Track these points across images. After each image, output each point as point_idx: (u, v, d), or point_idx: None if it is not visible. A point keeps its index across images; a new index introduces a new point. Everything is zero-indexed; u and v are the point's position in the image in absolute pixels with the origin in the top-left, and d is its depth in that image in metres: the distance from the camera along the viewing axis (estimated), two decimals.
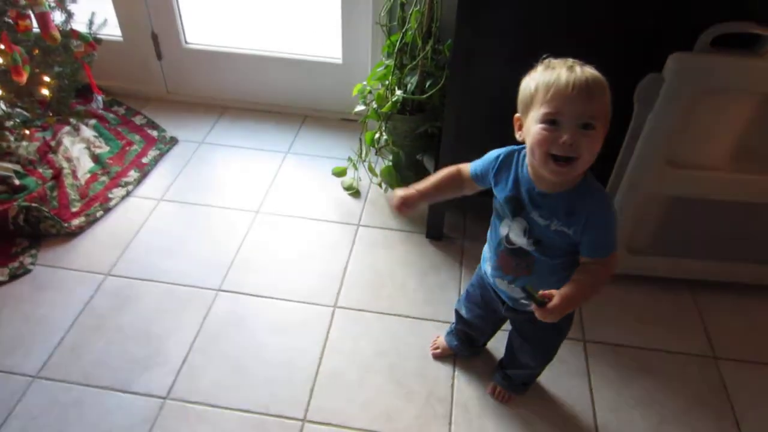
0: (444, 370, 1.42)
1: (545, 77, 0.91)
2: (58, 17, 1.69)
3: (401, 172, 1.85)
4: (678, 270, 1.61)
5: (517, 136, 1.00)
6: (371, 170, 1.91)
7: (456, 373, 1.41)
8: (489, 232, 1.15)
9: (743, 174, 1.38)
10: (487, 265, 1.18)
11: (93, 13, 1.88)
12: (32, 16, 1.59)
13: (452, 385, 1.39)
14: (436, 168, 1.63)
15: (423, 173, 1.92)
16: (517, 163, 1.03)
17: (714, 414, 1.36)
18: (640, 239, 1.54)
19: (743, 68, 1.22)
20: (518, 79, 1.39)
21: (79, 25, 1.82)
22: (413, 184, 1.15)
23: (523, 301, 1.13)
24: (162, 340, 1.46)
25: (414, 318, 1.54)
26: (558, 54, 1.31)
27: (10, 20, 1.58)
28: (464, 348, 1.42)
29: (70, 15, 1.73)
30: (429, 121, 1.76)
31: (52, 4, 1.66)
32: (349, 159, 1.96)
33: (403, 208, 1.14)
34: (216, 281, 1.61)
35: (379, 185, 1.94)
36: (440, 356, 1.46)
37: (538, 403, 1.36)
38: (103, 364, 1.40)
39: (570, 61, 0.91)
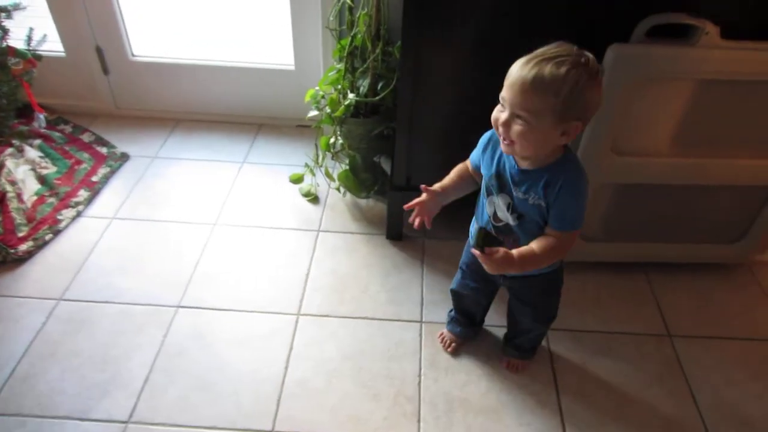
0: (411, 369, 1.43)
1: (513, 66, 0.99)
2: None
3: (359, 176, 1.85)
4: (630, 254, 1.66)
5: None
6: (328, 175, 1.91)
7: (423, 370, 1.42)
8: (476, 211, 1.22)
9: (683, 158, 1.43)
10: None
11: (31, 29, 1.82)
12: None
13: (419, 383, 1.40)
14: (393, 170, 1.65)
15: (381, 175, 1.93)
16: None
17: (671, 390, 1.41)
18: (593, 226, 1.58)
19: (677, 57, 1.27)
20: (468, 76, 1.42)
21: (17, 41, 1.77)
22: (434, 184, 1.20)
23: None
24: (121, 362, 1.42)
25: (378, 319, 1.54)
26: (503, 48, 1.34)
27: None
28: (467, 331, 1.47)
29: (5, 31, 1.68)
30: (383, 122, 1.77)
31: None
32: (306, 165, 1.95)
33: (428, 205, 1.18)
34: (175, 298, 1.58)
35: (338, 190, 1.94)
36: (456, 349, 1.48)
37: (505, 392, 1.39)
38: (59, 392, 1.35)
39: (543, 55, 0.95)
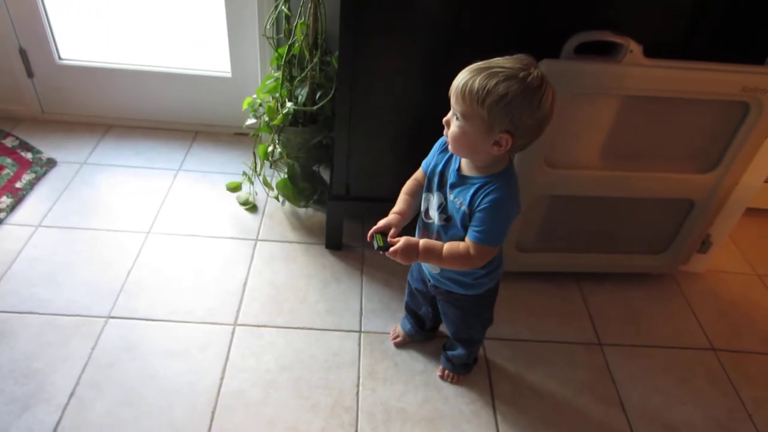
0: (349, 379, 1.42)
1: None
2: None
3: (297, 185, 1.84)
4: (563, 264, 1.72)
5: None
6: (267, 184, 1.89)
7: (361, 380, 1.42)
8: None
9: (611, 171, 1.50)
10: None
11: None
12: None
13: (357, 393, 1.39)
14: (332, 179, 1.65)
15: (319, 184, 1.93)
16: None
17: (601, 397, 1.46)
18: (527, 237, 1.64)
19: (602, 73, 1.33)
20: (405, 86, 1.45)
21: None
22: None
23: (437, 275, 1.24)
24: (45, 375, 1.35)
25: (317, 329, 1.53)
26: (439, 59, 1.38)
27: None
28: (416, 331, 1.49)
29: None
30: (322, 132, 1.77)
31: None
32: (244, 174, 1.92)
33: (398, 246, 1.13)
34: (105, 308, 1.52)
35: (276, 198, 1.92)
36: (401, 344, 1.52)
37: (442, 402, 1.40)
38: None
39: (486, 65, 0.99)
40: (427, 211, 1.20)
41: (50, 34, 2.01)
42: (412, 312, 1.48)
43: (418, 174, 1.23)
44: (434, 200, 1.16)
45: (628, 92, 1.37)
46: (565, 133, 1.42)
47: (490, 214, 1.06)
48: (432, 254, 1.11)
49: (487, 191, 1.05)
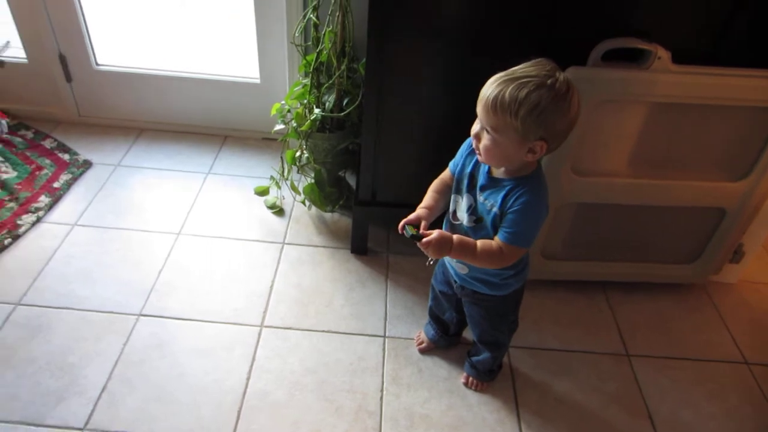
0: (373, 384, 1.43)
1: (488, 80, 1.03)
2: None
3: (324, 190, 1.87)
4: (590, 273, 1.70)
5: None
6: (294, 188, 1.92)
7: (385, 386, 1.43)
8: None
9: (639, 179, 1.48)
10: None
11: None
12: None
13: (381, 398, 1.40)
14: (358, 185, 1.67)
15: (346, 190, 1.95)
16: None
17: (629, 409, 1.43)
18: (553, 245, 1.63)
19: (630, 80, 1.33)
20: (431, 94, 1.47)
21: None
22: (419, 210, 1.19)
23: (465, 275, 1.24)
24: (78, 369, 1.39)
25: (342, 333, 1.55)
26: (465, 67, 1.39)
27: None
28: (440, 337, 1.49)
29: None
30: (348, 138, 1.79)
31: None
32: (272, 178, 1.96)
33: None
34: (136, 306, 1.56)
35: (303, 203, 1.95)
36: (425, 349, 1.52)
37: (466, 409, 1.40)
38: (13, 398, 1.32)
39: (512, 74, 0.99)
40: (454, 212, 1.21)
41: (88, 40, 2.08)
42: (435, 317, 1.49)
43: (445, 174, 1.23)
44: (463, 202, 1.17)
45: (656, 99, 1.36)
46: (592, 140, 1.41)
47: (522, 215, 1.07)
48: (466, 249, 1.11)
49: (518, 193, 1.06)
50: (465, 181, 1.16)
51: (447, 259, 1.29)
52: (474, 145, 1.08)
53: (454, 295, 1.35)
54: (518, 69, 1.00)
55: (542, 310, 1.67)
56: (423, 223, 1.14)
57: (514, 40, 1.35)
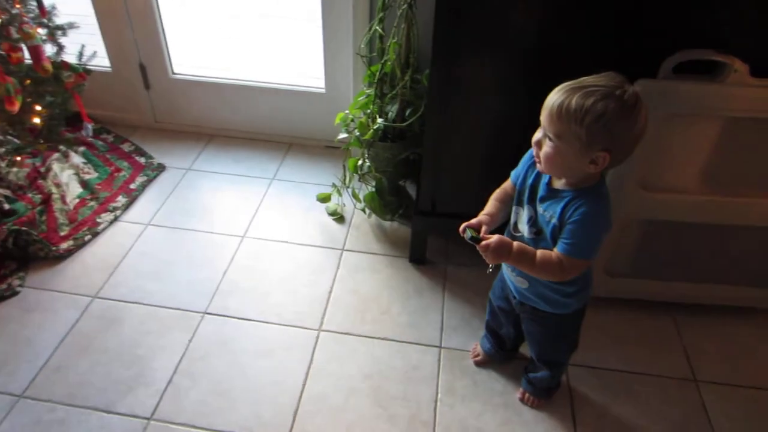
0: (427, 393, 1.43)
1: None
2: (49, 49, 1.74)
3: (384, 198, 1.89)
4: (657, 292, 1.64)
5: None
6: (355, 196, 1.95)
7: (439, 396, 1.42)
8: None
9: (713, 196, 1.42)
10: None
11: (83, 46, 1.92)
12: (25, 48, 1.64)
13: (435, 408, 1.40)
14: (418, 195, 1.68)
15: (406, 199, 1.96)
16: None
17: None
18: (619, 262, 1.58)
19: (705, 94, 1.28)
20: (495, 105, 1.46)
21: (70, 56, 1.86)
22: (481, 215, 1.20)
23: (525, 290, 1.23)
24: (147, 361, 1.46)
25: (398, 341, 1.55)
26: (530, 81, 1.38)
27: (3, 53, 1.62)
28: (496, 351, 1.48)
29: (60, 47, 1.79)
30: (410, 148, 1.81)
31: (44, 38, 1.71)
32: (333, 185, 2.00)
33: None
34: (202, 304, 1.62)
35: (363, 211, 1.98)
36: (481, 362, 1.51)
37: (521, 425, 1.38)
38: (87, 384, 1.41)
39: (579, 83, 0.99)
40: (515, 224, 1.20)
41: (166, 51, 2.19)
42: (492, 331, 1.47)
43: (507, 184, 1.23)
44: (524, 214, 1.17)
45: (732, 113, 1.30)
46: (662, 155, 1.37)
47: (581, 227, 1.05)
48: (524, 257, 1.10)
49: (577, 204, 1.05)
50: (526, 193, 1.16)
51: (507, 275, 1.28)
52: (534, 153, 1.07)
53: (512, 311, 1.34)
54: (587, 79, 0.99)
55: (604, 328, 1.62)
56: (483, 228, 1.14)
57: (581, 52, 1.33)
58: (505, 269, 1.27)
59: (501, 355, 1.49)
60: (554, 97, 0.99)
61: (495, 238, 1.09)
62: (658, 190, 1.43)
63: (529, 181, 1.15)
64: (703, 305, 1.66)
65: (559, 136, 1.00)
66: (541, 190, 1.12)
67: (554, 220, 1.08)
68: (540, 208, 1.12)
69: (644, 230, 1.52)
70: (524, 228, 1.17)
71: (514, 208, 1.20)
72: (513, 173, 1.21)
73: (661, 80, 1.29)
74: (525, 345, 1.41)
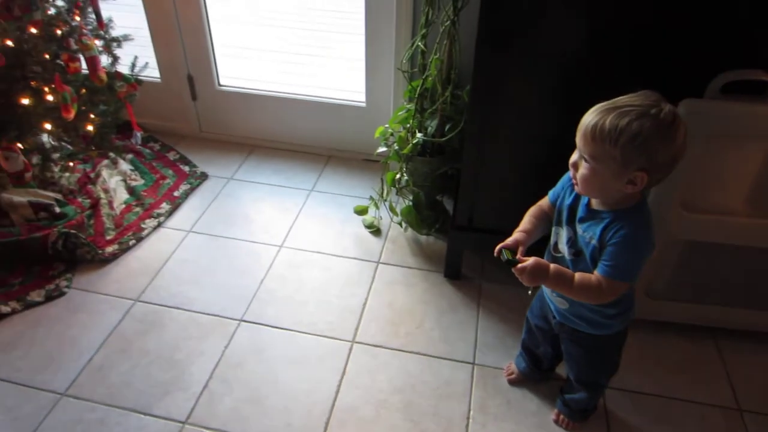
0: (459, 410, 1.42)
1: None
2: (105, 60, 1.82)
3: (421, 212, 1.89)
4: (698, 316, 1.59)
5: None
6: (392, 209, 1.97)
7: (471, 413, 1.41)
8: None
9: (759, 219, 1.38)
10: None
11: (136, 57, 2.01)
12: (82, 59, 1.72)
13: (467, 426, 1.39)
14: (455, 209, 1.68)
15: (442, 214, 1.96)
16: None
17: None
18: (659, 284, 1.54)
19: (751, 115, 1.25)
20: (536, 123, 1.46)
21: (123, 67, 1.94)
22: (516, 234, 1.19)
23: (565, 311, 1.21)
24: (184, 365, 1.50)
25: (431, 356, 1.55)
26: (573, 98, 1.36)
27: (62, 62, 1.70)
28: (531, 370, 1.46)
29: (116, 58, 1.87)
30: (448, 163, 1.81)
31: (101, 49, 1.79)
32: (371, 198, 2.01)
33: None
34: (239, 311, 1.65)
35: (400, 224, 1.98)
36: (515, 381, 1.50)
37: None
38: (127, 385, 1.45)
39: (614, 103, 0.98)
40: (556, 245, 1.19)
41: (214, 63, 2.26)
42: (528, 350, 1.45)
43: (544, 202, 1.22)
44: (563, 234, 1.15)
45: None
46: (706, 175, 1.33)
47: (622, 248, 1.03)
48: (562, 280, 1.09)
49: (618, 226, 1.03)
50: (564, 214, 1.14)
51: (547, 294, 1.26)
52: (571, 175, 1.07)
53: (551, 331, 1.32)
54: (621, 99, 0.98)
55: (644, 351, 1.58)
56: (520, 249, 1.13)
57: (625, 71, 1.32)
58: (546, 289, 1.26)
59: (537, 374, 1.47)
60: (588, 119, 0.99)
61: (531, 261, 1.08)
62: (701, 211, 1.39)
63: (568, 201, 1.14)
64: (750, 331, 1.60)
65: (595, 158, 0.99)
66: (580, 211, 1.11)
67: (594, 242, 1.07)
68: (579, 229, 1.11)
69: (686, 251, 1.48)
70: (564, 249, 1.15)
71: (553, 228, 1.19)
72: (551, 192, 1.21)
73: (707, 100, 1.26)
74: (561, 365, 1.39)
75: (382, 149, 1.91)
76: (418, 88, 1.75)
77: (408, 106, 1.83)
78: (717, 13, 1.22)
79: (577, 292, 1.09)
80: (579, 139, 1.01)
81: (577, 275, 1.09)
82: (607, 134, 0.95)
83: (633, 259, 1.05)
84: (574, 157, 1.05)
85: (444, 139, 1.74)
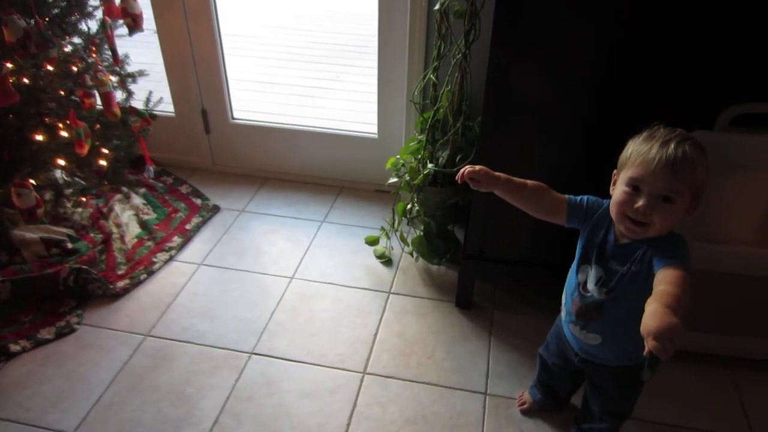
0: None
1: (640, 147, 0.99)
2: (119, 95, 1.85)
3: (432, 242, 1.90)
4: (712, 346, 1.57)
5: (611, 189, 1.08)
6: (403, 240, 1.97)
7: None
8: (568, 277, 1.21)
9: None
10: (563, 311, 1.23)
11: (150, 92, 2.05)
12: (97, 95, 1.75)
13: None
14: (466, 239, 1.68)
15: (453, 243, 1.96)
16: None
17: None
18: None
19: (760, 146, 1.26)
20: (544, 152, 1.46)
21: (138, 102, 1.99)
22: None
23: (595, 347, 1.16)
24: (195, 400, 1.49)
25: (442, 387, 1.54)
26: (581, 132, 1.37)
27: (77, 98, 1.74)
28: (547, 401, 1.43)
29: (130, 94, 1.91)
30: (459, 193, 1.82)
31: (115, 84, 1.83)
32: (382, 229, 2.02)
33: (477, 176, 1.12)
34: (249, 344, 1.65)
35: (411, 254, 1.98)
36: (527, 411, 1.47)
37: None
38: (137, 422, 1.43)
39: (672, 134, 0.97)
40: (585, 283, 1.15)
41: (227, 97, 2.30)
42: (544, 383, 1.43)
43: (557, 195, 1.15)
44: (592, 274, 1.12)
45: None
46: (717, 206, 1.33)
47: (675, 244, 1.01)
48: (678, 306, 0.88)
49: (659, 244, 1.01)
50: (594, 252, 1.11)
51: (569, 332, 1.22)
52: (641, 218, 0.98)
53: (568, 367, 1.29)
54: (665, 131, 0.98)
55: (656, 380, 1.50)
56: (479, 167, 1.10)
57: (637, 105, 1.33)
58: (571, 327, 1.20)
59: (553, 405, 1.44)
60: (663, 152, 0.94)
61: (670, 348, 0.84)
62: (712, 241, 1.38)
63: (597, 240, 1.11)
64: (765, 361, 1.57)
65: (679, 192, 0.96)
66: (609, 248, 1.08)
67: (634, 267, 1.03)
68: (615, 267, 1.07)
69: (698, 281, 1.46)
70: (593, 288, 1.12)
71: (582, 266, 1.15)
72: (584, 200, 1.13)
73: (717, 132, 1.27)
74: (577, 393, 1.36)
75: (393, 180, 1.93)
76: (430, 120, 1.77)
77: (419, 137, 1.85)
78: (727, 46, 1.23)
79: (688, 295, 0.93)
80: (658, 175, 0.95)
81: (668, 287, 0.92)
82: (688, 162, 0.94)
83: (686, 252, 1.00)
84: (641, 201, 0.97)
85: (455, 169, 1.75)
